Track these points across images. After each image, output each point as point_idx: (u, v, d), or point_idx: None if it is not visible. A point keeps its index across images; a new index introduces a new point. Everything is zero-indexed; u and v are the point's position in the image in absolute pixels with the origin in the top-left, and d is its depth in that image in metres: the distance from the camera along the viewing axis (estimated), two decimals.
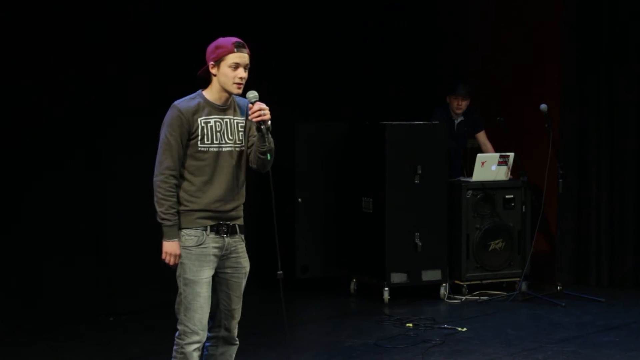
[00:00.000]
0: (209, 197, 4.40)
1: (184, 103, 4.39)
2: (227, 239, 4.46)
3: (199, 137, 4.37)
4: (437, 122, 8.14)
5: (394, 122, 7.85)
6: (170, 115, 4.37)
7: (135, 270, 7.39)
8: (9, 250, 6.93)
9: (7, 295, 6.87)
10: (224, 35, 4.45)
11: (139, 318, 7.17)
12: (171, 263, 4.41)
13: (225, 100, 4.45)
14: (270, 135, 4.41)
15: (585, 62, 8.47)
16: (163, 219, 4.37)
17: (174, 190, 4.37)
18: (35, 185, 7.03)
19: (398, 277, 7.78)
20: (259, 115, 4.36)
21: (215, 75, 4.40)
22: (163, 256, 4.40)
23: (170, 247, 4.39)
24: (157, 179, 4.37)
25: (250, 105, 4.40)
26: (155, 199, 4.38)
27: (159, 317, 6.95)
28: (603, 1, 8.37)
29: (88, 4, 7.23)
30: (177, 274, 4.43)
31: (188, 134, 4.36)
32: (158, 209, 4.38)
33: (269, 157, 4.44)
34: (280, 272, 4.54)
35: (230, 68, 4.36)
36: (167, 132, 4.36)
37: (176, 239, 4.39)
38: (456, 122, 8.58)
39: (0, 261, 6.89)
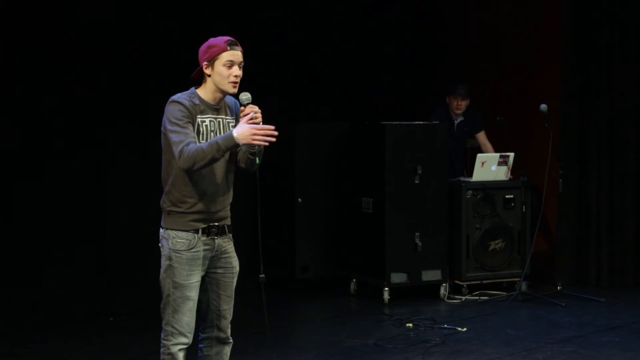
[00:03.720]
0: (202, 199, 4.37)
1: (183, 97, 4.35)
2: (217, 240, 4.44)
3: (195, 137, 4.33)
4: (437, 122, 8.14)
5: (394, 122, 7.84)
6: (172, 109, 4.31)
7: (135, 270, 7.38)
8: (9, 250, 6.92)
9: (7, 295, 6.86)
10: (222, 35, 4.44)
11: (139, 318, 7.17)
12: (255, 129, 4.14)
13: (219, 100, 4.43)
14: None
15: (585, 62, 8.46)
16: (217, 150, 4.15)
17: (193, 143, 4.21)
18: (34, 185, 7.02)
19: (398, 277, 7.78)
20: (251, 119, 4.31)
21: (209, 76, 4.35)
22: (245, 137, 4.14)
23: (244, 131, 4.14)
24: (181, 157, 4.19)
25: (242, 107, 4.36)
26: (196, 164, 4.17)
27: (158, 317, 6.92)
28: (603, 1, 8.37)
29: (89, 4, 7.22)
30: (162, 276, 4.40)
31: (192, 125, 4.31)
32: (206, 157, 4.16)
33: (258, 161, 4.41)
34: (262, 275, 4.51)
35: (225, 67, 4.32)
36: (175, 122, 4.26)
37: (230, 134, 4.16)
38: (456, 122, 8.58)
39: (0, 261, 6.88)
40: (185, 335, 4.39)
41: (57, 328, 6.85)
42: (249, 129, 4.17)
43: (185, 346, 4.40)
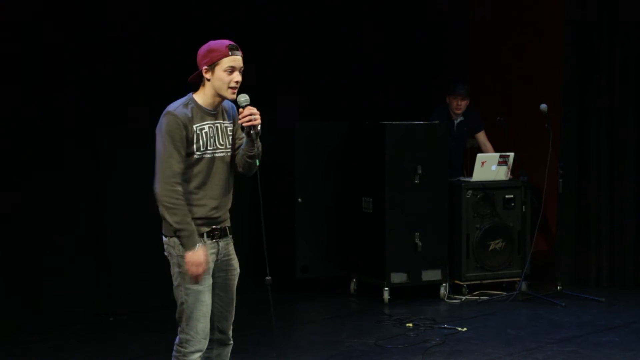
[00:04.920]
0: (205, 205, 4.34)
1: (179, 109, 4.27)
2: (221, 243, 4.42)
3: (195, 146, 4.29)
4: (437, 122, 8.14)
5: (394, 122, 7.84)
6: (166, 122, 4.24)
7: (135, 270, 7.39)
8: (9, 250, 6.92)
9: (7, 295, 6.87)
10: (222, 36, 4.41)
11: (139, 318, 7.18)
12: (200, 272, 4.25)
13: (217, 105, 4.37)
14: (258, 140, 4.35)
15: (585, 62, 8.46)
16: (180, 229, 4.21)
17: (182, 197, 4.22)
18: (34, 185, 7.02)
19: (398, 277, 7.78)
20: (250, 120, 4.29)
21: (209, 80, 4.29)
22: (187, 267, 4.24)
23: (194, 257, 4.22)
24: (162, 188, 4.20)
25: (240, 109, 4.33)
26: (163, 209, 4.21)
27: (159, 317, 6.95)
28: (603, 1, 8.37)
29: (88, 4, 7.22)
30: (176, 284, 4.35)
31: (187, 141, 4.26)
32: (171, 219, 4.20)
33: (257, 163, 4.38)
34: (269, 277, 4.49)
35: (226, 72, 4.26)
36: (165, 140, 4.22)
37: (198, 245, 4.24)
38: (456, 122, 8.58)
39: (0, 261, 6.89)
40: (200, 342, 4.34)
41: (57, 328, 6.85)
42: (199, 261, 4.23)
43: (200, 352, 4.36)
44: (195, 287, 4.31)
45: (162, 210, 4.24)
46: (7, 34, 6.87)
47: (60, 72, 7.10)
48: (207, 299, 4.35)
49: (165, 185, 4.21)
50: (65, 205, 7.18)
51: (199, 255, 4.25)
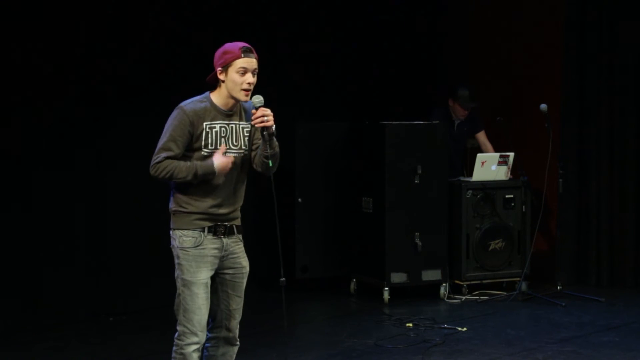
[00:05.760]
0: (207, 202, 4.40)
1: (190, 105, 4.37)
2: (225, 240, 4.46)
3: (203, 142, 4.36)
4: (437, 122, 8.14)
5: (394, 122, 7.84)
6: (174, 116, 4.36)
7: (135, 270, 7.39)
8: (9, 250, 6.92)
9: (7, 296, 6.86)
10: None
11: (139, 318, 7.18)
12: (229, 163, 4.34)
13: (232, 106, 4.44)
14: (274, 140, 4.41)
15: (585, 61, 8.47)
16: (191, 175, 4.28)
17: (169, 159, 4.30)
18: (35, 185, 7.02)
19: (398, 277, 7.78)
20: (262, 122, 4.36)
21: (223, 82, 4.38)
22: (224, 167, 4.32)
23: (220, 163, 4.31)
24: (151, 167, 4.33)
25: (253, 110, 4.40)
26: (167, 175, 4.30)
27: (159, 317, 6.95)
28: (603, 1, 8.37)
29: (89, 4, 7.22)
30: (176, 274, 4.43)
31: (190, 136, 4.34)
32: (180, 176, 4.29)
33: (270, 164, 4.43)
34: (283, 279, 4.53)
35: (238, 74, 4.34)
36: (166, 132, 4.34)
37: (212, 162, 4.30)
38: (456, 122, 8.58)
39: (0, 261, 6.88)
40: (196, 334, 4.39)
41: (57, 328, 6.85)
42: (226, 160, 4.34)
43: (197, 345, 4.41)
44: (190, 279, 4.37)
45: (165, 177, 4.32)
46: (8, 36, 6.87)
47: (61, 73, 7.10)
48: (202, 292, 4.40)
49: (152, 162, 4.33)
50: (65, 205, 7.18)
51: (222, 161, 4.32)
